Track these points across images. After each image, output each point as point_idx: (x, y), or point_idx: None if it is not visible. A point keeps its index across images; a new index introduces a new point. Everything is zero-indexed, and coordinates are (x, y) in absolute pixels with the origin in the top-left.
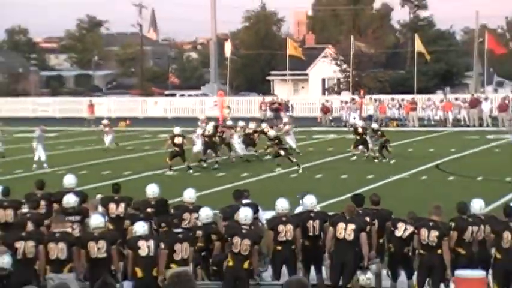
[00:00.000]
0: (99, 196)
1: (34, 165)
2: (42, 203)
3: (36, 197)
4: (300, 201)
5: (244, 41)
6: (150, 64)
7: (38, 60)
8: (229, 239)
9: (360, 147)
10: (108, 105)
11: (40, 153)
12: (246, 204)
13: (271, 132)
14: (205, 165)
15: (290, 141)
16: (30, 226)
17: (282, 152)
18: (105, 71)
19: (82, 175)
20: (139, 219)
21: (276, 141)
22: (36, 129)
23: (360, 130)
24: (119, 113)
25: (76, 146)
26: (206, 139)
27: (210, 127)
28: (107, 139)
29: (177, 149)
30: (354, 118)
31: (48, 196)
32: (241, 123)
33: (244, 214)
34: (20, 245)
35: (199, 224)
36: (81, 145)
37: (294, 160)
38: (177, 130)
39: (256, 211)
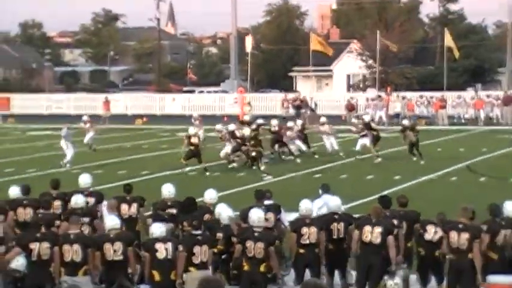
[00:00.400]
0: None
1: (68, 165)
2: (58, 203)
3: (51, 196)
4: (320, 191)
5: (266, 35)
6: (167, 59)
7: (52, 56)
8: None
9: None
10: (125, 102)
11: (68, 152)
12: (268, 206)
13: (246, 131)
14: (230, 166)
15: (327, 142)
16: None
17: (253, 154)
18: (121, 66)
19: (98, 174)
20: (163, 219)
21: (252, 141)
22: (63, 128)
23: (373, 125)
24: (136, 110)
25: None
26: (239, 140)
27: (247, 131)
28: (87, 136)
29: (192, 148)
30: (380, 117)
31: (63, 196)
32: (289, 123)
33: (257, 216)
34: (34, 246)
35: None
36: (97, 143)
37: (262, 167)
38: (191, 130)
39: (278, 213)
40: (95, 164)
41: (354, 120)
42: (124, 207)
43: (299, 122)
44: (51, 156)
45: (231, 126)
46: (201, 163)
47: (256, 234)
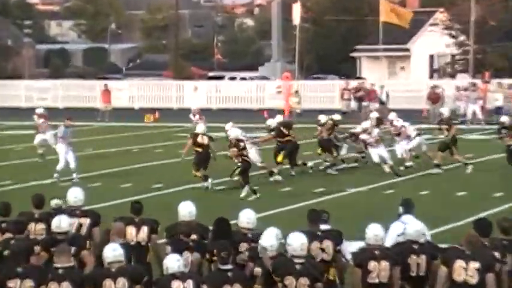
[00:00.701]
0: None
1: (55, 175)
2: (41, 226)
3: (32, 217)
4: (400, 209)
5: (320, 2)
6: (188, 35)
7: (34, 29)
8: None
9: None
10: (130, 92)
11: (68, 158)
12: (326, 232)
13: (233, 132)
14: (272, 179)
15: (399, 145)
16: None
17: (240, 167)
18: (126, 44)
19: (94, 188)
20: (186, 248)
21: (241, 147)
22: (60, 125)
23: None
24: (145, 103)
25: (86, 149)
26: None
27: (234, 132)
28: (42, 137)
29: (199, 149)
30: (474, 112)
31: (48, 217)
32: (364, 124)
33: (299, 242)
34: (14, 284)
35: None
36: (93, 147)
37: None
38: (200, 128)
39: (339, 242)
40: (92, 174)
41: (361, 123)
42: (131, 231)
43: (374, 114)
44: (32, 163)
45: (271, 122)
46: (205, 169)
47: (298, 267)
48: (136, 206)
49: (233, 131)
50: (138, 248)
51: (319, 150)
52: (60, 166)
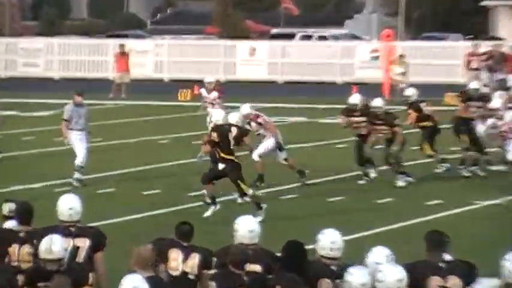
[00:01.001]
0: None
1: (77, 175)
2: (27, 249)
3: (15, 236)
4: None
5: None
6: None
7: None
8: None
9: None
10: (157, 56)
11: (80, 146)
12: (451, 263)
13: (216, 114)
14: (362, 181)
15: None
16: None
17: (233, 175)
18: None
19: (105, 196)
20: (240, 284)
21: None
22: (69, 103)
23: None
24: (179, 72)
25: (94, 139)
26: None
27: (218, 114)
28: None
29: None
30: None
31: (37, 236)
32: (494, 102)
33: (395, 278)
34: None
35: None
36: (104, 136)
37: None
38: (218, 114)
39: (470, 279)
40: (101, 175)
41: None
42: (176, 256)
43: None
44: (16, 158)
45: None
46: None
47: None
48: (185, 229)
49: (217, 113)
50: (183, 281)
51: (427, 147)
52: (79, 160)
